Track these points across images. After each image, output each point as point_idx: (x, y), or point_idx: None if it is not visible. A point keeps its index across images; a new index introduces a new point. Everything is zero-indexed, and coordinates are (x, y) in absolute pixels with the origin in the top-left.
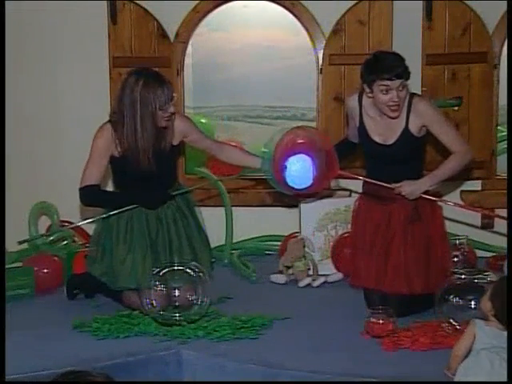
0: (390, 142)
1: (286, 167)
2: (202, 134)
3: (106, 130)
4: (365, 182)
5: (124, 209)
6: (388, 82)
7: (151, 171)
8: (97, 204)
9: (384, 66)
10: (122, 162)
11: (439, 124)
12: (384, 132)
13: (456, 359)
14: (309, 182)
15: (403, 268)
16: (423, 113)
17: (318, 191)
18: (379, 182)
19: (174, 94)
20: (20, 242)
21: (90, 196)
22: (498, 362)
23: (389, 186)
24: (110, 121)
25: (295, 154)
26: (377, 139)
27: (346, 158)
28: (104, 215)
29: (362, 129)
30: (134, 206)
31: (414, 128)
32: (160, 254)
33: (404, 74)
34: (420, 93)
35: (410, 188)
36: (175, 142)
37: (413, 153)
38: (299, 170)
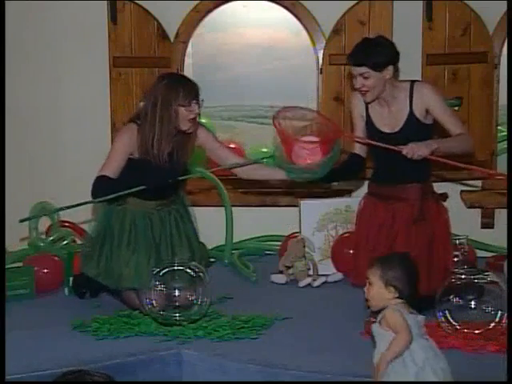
0: (397, 128)
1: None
2: (218, 142)
3: (132, 130)
4: (370, 182)
5: (131, 190)
6: (352, 68)
7: (164, 177)
8: (109, 192)
9: (351, 52)
10: (137, 165)
11: (442, 107)
12: (390, 121)
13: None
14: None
15: None
16: (426, 95)
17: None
18: (386, 145)
19: (201, 99)
20: (21, 221)
21: (104, 185)
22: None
23: (395, 148)
24: (135, 122)
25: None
26: (384, 129)
27: (356, 174)
28: (108, 197)
29: (369, 122)
30: (140, 187)
31: (418, 112)
32: (163, 257)
33: (367, 61)
34: None
35: (415, 150)
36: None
37: (420, 140)
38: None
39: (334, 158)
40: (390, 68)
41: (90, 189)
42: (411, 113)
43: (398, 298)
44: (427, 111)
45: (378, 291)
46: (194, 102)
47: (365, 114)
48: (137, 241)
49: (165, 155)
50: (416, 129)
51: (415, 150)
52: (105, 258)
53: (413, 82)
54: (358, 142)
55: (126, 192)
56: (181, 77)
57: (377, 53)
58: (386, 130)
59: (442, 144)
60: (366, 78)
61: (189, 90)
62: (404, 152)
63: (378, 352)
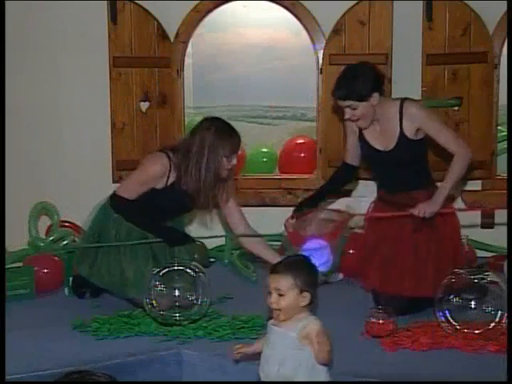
0: (390, 147)
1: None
2: (237, 206)
3: (164, 161)
4: (378, 188)
5: (149, 241)
6: (338, 101)
7: (182, 209)
8: (123, 216)
9: (334, 85)
10: (158, 195)
11: (433, 125)
12: (383, 139)
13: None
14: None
15: (407, 271)
16: (415, 116)
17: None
18: (395, 213)
19: (240, 151)
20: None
21: (124, 208)
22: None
23: (406, 213)
24: (165, 153)
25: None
26: (377, 146)
27: (347, 184)
28: (111, 244)
29: (362, 139)
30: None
31: (409, 132)
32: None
33: (351, 95)
34: (420, 92)
35: (426, 209)
36: None
37: (414, 155)
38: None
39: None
40: (376, 95)
41: (111, 204)
42: (402, 133)
43: (310, 303)
44: (419, 129)
45: (294, 300)
46: (235, 154)
47: (357, 131)
48: (133, 249)
49: (209, 196)
50: (408, 147)
51: (426, 209)
52: (100, 261)
53: (403, 100)
54: (366, 217)
55: (147, 242)
56: (227, 127)
57: (359, 85)
58: (380, 147)
59: (447, 189)
60: (353, 109)
61: (234, 144)
62: (415, 213)
63: (274, 354)
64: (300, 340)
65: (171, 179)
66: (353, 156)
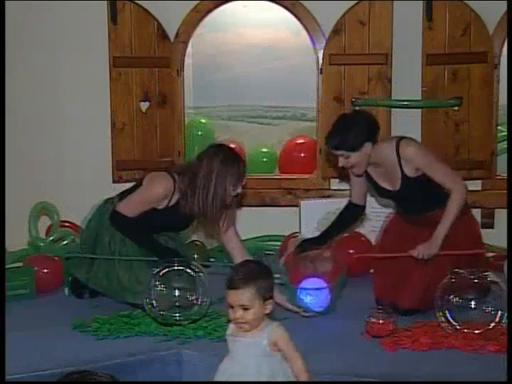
0: (397, 187)
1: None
2: (237, 235)
3: (169, 183)
4: (395, 205)
5: (144, 258)
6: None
7: (179, 228)
8: (122, 232)
9: (328, 133)
10: (157, 215)
11: (428, 165)
12: (388, 180)
13: None
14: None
15: (423, 286)
16: (412, 159)
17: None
18: (396, 254)
19: (245, 179)
20: None
21: (123, 226)
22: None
23: (405, 254)
24: (170, 174)
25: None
26: (385, 186)
27: (353, 223)
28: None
29: (369, 179)
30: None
31: (410, 172)
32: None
33: (343, 146)
34: (420, 92)
35: (425, 251)
36: None
37: (423, 188)
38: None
39: (340, 287)
40: (368, 144)
41: (109, 217)
42: (404, 174)
43: (269, 297)
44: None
45: (258, 311)
46: (241, 183)
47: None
48: (129, 256)
49: (218, 221)
50: (413, 185)
51: (425, 251)
52: (97, 266)
53: (398, 142)
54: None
55: (142, 259)
56: (234, 154)
57: (351, 135)
58: (388, 187)
59: (446, 229)
60: (346, 157)
61: (240, 172)
62: (415, 255)
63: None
64: (269, 347)
65: (173, 201)
66: (358, 195)
